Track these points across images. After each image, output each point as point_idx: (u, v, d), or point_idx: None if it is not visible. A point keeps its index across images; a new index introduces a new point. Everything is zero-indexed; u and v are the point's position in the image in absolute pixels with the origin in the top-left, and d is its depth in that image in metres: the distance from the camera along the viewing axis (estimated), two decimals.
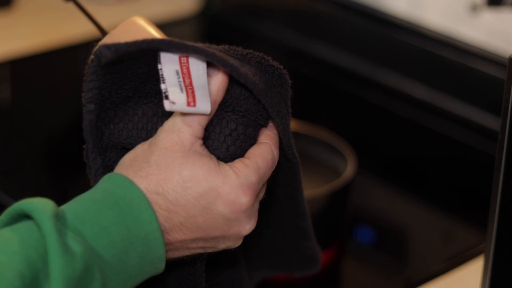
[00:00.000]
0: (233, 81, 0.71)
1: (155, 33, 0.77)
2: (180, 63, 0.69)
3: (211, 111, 0.70)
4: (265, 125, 0.74)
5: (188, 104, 0.68)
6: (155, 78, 0.71)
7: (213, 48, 0.71)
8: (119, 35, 0.76)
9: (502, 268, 0.83)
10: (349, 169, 1.10)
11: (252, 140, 0.73)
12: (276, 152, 0.73)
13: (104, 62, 0.68)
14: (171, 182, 0.69)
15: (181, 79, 0.68)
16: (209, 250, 0.73)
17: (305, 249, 0.86)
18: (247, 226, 0.72)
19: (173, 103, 0.68)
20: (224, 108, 0.72)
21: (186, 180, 0.69)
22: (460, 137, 1.36)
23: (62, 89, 1.52)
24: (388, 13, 1.46)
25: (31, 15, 1.67)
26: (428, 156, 1.36)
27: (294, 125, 1.11)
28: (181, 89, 0.68)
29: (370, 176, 1.30)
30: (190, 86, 0.69)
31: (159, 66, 0.68)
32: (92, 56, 0.69)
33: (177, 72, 0.69)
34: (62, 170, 1.29)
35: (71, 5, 0.84)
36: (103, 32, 0.80)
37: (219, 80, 0.70)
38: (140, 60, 0.70)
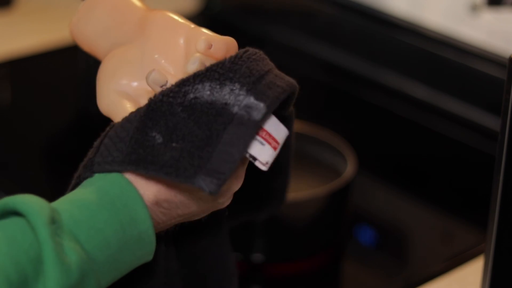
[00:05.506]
0: None
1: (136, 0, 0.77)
2: (259, 135, 0.69)
3: None
4: None
5: (274, 149, 0.69)
6: None
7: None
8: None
9: (502, 268, 0.83)
10: (349, 169, 1.10)
11: None
12: None
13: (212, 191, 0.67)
14: None
15: (259, 138, 0.69)
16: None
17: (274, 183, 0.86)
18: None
19: (266, 163, 0.68)
20: None
21: None
22: (460, 137, 1.36)
23: (62, 89, 1.52)
24: (388, 13, 1.46)
25: (31, 14, 1.67)
26: (428, 156, 1.36)
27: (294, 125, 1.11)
28: (261, 143, 0.68)
29: (370, 176, 1.29)
30: (267, 135, 0.69)
31: (248, 155, 0.69)
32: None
33: (260, 142, 0.69)
34: (62, 170, 1.28)
35: (70, 5, 0.83)
36: None
37: None
38: None
